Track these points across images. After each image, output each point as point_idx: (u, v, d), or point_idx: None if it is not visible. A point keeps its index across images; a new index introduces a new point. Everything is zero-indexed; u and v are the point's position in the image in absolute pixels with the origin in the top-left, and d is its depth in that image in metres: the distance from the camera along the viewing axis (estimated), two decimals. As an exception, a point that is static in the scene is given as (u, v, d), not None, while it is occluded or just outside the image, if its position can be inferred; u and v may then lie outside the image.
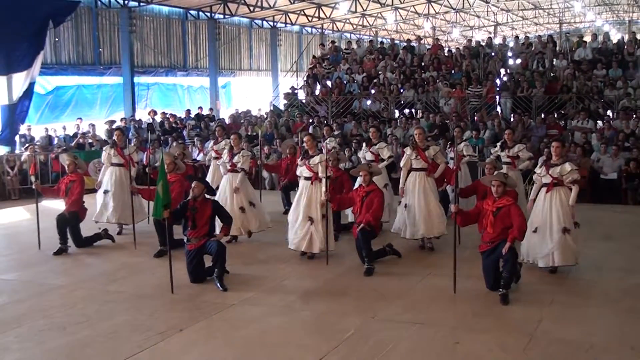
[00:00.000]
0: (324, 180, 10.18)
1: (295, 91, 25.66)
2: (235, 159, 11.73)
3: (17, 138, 19.84)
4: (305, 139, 10.85)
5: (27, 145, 18.61)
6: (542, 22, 49.95)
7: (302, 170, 10.63)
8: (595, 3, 43.32)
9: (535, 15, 47.04)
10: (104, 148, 13.66)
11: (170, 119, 23.63)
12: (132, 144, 12.91)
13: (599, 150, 16.60)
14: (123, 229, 12.67)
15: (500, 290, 8.31)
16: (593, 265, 9.76)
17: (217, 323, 7.80)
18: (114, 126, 21.53)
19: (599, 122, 19.22)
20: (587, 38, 27.34)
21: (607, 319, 7.74)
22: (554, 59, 22.64)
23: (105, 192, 12.43)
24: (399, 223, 11.02)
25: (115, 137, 12.75)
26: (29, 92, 19.15)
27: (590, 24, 46.57)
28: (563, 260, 9.19)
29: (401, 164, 11.06)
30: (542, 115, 19.96)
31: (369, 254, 9.82)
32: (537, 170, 9.67)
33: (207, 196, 9.51)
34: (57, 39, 24.99)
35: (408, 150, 10.91)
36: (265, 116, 24.32)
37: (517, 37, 29.40)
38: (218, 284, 9.01)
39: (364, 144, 13.04)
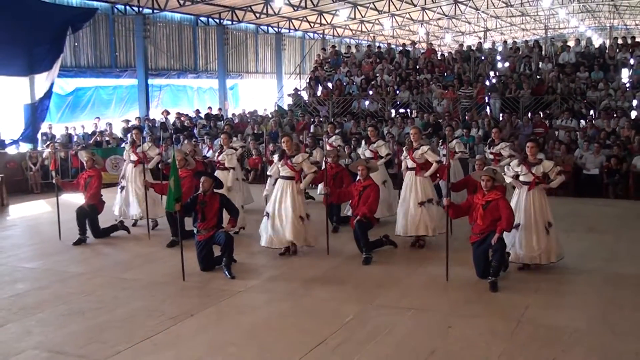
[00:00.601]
0: (309, 176, 9.94)
1: (299, 92, 25.65)
2: (221, 157, 11.75)
3: (39, 136, 19.84)
4: (283, 140, 10.16)
5: (48, 142, 18.63)
6: (529, 28, 49.80)
7: (282, 170, 9.98)
8: (578, 10, 43.18)
9: (522, 21, 46.92)
10: (123, 146, 13.60)
11: (182, 118, 23.64)
12: (147, 142, 12.83)
13: (582, 147, 16.55)
14: (153, 222, 12.29)
15: (490, 278, 8.29)
16: (577, 255, 9.73)
17: (226, 309, 7.79)
18: (129, 125, 21.57)
19: (582, 122, 19.22)
20: (571, 43, 27.30)
21: (590, 305, 7.72)
22: (540, 63, 22.58)
23: (122, 188, 12.39)
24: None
25: (133, 136, 12.60)
26: (48, 93, 19.16)
27: (573, 30, 46.50)
28: (550, 258, 8.94)
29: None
30: (529, 115, 19.93)
31: (366, 244, 9.80)
32: (516, 168, 9.13)
33: (215, 190, 9.50)
34: (76, 44, 24.94)
35: (404, 151, 10.77)
36: (270, 116, 24.29)
37: (505, 42, 29.34)
38: (226, 272, 9.01)
39: (363, 142, 12.96)
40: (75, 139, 20.89)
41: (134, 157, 12.27)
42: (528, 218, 8.91)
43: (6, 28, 17.32)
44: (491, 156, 12.34)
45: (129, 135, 18.09)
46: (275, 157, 10.31)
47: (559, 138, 17.72)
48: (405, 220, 10.40)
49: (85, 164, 11.73)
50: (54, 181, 11.91)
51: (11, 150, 18.74)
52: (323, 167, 11.24)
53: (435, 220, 10.34)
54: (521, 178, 9.04)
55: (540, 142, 9.60)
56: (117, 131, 22.06)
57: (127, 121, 22.68)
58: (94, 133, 21.13)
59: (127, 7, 27.08)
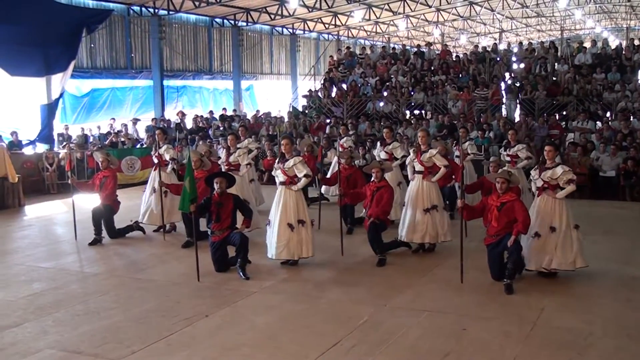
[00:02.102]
0: (303, 180, 9.43)
1: (315, 92, 25.65)
2: (232, 158, 11.77)
3: (55, 136, 19.99)
4: (283, 142, 9.69)
5: (64, 143, 18.74)
6: (545, 29, 49.55)
7: (277, 174, 9.66)
8: (594, 11, 42.93)
9: (538, 22, 46.68)
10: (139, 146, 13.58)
11: (198, 119, 23.77)
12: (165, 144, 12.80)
13: (598, 149, 16.45)
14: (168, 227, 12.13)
15: (505, 280, 8.26)
16: (593, 257, 9.64)
17: (240, 309, 7.80)
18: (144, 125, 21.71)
19: (598, 123, 19.08)
20: (587, 44, 27.15)
21: (605, 308, 7.68)
22: (556, 64, 22.47)
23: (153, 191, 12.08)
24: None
25: (157, 137, 12.26)
26: (61, 93, 19.36)
27: (590, 31, 46.19)
28: (561, 265, 8.63)
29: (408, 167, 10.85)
30: (545, 117, 19.83)
31: (380, 245, 9.78)
32: (532, 173, 9.06)
33: (228, 191, 9.51)
34: (92, 45, 25.13)
35: (412, 154, 10.61)
36: (285, 117, 24.32)
37: (521, 43, 29.23)
38: (241, 273, 9.02)
39: (378, 143, 12.91)
40: (91, 139, 21.02)
41: (155, 160, 12.01)
42: (541, 225, 8.66)
43: (23, 30, 17.45)
44: (508, 158, 12.30)
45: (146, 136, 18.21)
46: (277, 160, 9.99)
47: (575, 140, 17.62)
48: (410, 226, 10.13)
49: (100, 165, 11.79)
50: (69, 181, 11.98)
51: (28, 151, 18.88)
52: (337, 168, 11.21)
53: (439, 227, 10.15)
54: (536, 183, 8.92)
55: (559, 146, 9.29)
56: (132, 131, 22.22)
57: (136, 120, 22.78)
58: (109, 134, 21.25)
59: (143, 9, 27.25)
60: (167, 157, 11.95)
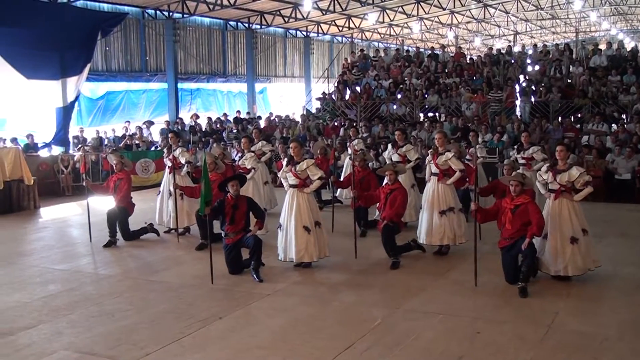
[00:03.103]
0: (316, 182, 9.59)
1: (329, 95, 25.65)
2: (240, 162, 11.86)
3: (70, 139, 20.13)
4: (292, 145, 9.78)
5: (79, 145, 18.86)
6: (560, 31, 49.26)
7: (287, 177, 9.65)
8: (610, 13, 42.65)
9: (552, 24, 46.41)
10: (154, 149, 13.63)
11: (212, 122, 23.87)
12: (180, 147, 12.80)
13: (613, 152, 16.34)
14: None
15: (519, 283, 8.22)
16: (608, 261, 9.58)
17: (254, 311, 7.82)
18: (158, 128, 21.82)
19: (614, 126, 18.95)
20: (602, 46, 26.98)
21: (621, 312, 7.61)
22: (571, 66, 22.34)
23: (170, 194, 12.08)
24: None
25: (169, 140, 12.31)
26: (77, 96, 19.51)
27: (605, 33, 45.85)
28: (575, 271, 8.59)
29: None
30: (559, 119, 19.72)
31: (393, 248, 9.77)
32: (544, 175, 8.88)
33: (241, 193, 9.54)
34: (107, 48, 25.26)
35: (429, 155, 10.60)
36: (298, 120, 24.33)
37: (535, 45, 29.07)
38: (254, 275, 9.03)
39: (389, 146, 12.89)
40: (106, 142, 21.15)
41: (169, 163, 11.99)
42: (553, 229, 8.60)
43: (40, 33, 17.62)
44: (523, 160, 12.24)
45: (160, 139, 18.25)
46: (284, 164, 10.05)
47: (589, 142, 17.51)
48: (428, 229, 10.19)
49: (114, 167, 11.86)
50: (84, 184, 12.05)
51: (43, 153, 19.02)
52: (349, 171, 11.22)
53: (457, 229, 10.18)
54: (549, 186, 8.83)
55: (571, 146, 9.18)
56: (155, 133, 22.37)
57: (150, 123, 22.92)
58: (124, 136, 21.37)
59: (158, 12, 27.36)
60: (182, 160, 11.94)
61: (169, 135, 12.62)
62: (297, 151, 9.66)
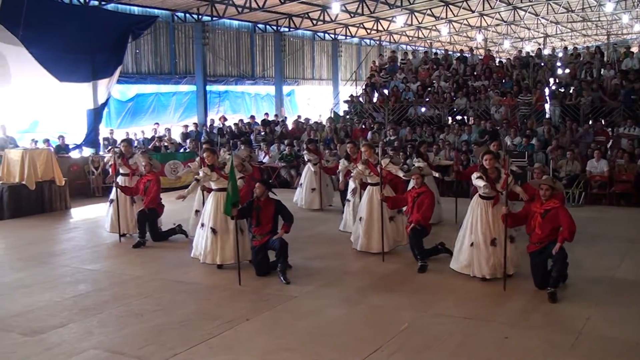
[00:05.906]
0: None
1: (358, 98, 25.62)
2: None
3: (100, 140, 20.36)
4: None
5: (109, 147, 19.07)
6: (590, 34, 48.68)
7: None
8: (642, 15, 42.07)
9: (583, 27, 45.87)
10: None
11: (239, 124, 23.99)
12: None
13: (646, 156, 16.08)
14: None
15: (549, 288, 8.12)
16: (639, 266, 9.45)
17: (281, 314, 7.83)
18: (188, 130, 21.94)
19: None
20: (635, 49, 26.60)
21: (653, 318, 7.49)
22: (602, 69, 22.04)
23: None
24: None
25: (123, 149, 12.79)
26: (107, 99, 19.75)
27: (637, 36, 45.20)
28: (493, 272, 8.77)
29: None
30: (590, 123, 19.47)
31: (421, 251, 9.73)
32: (481, 184, 8.75)
33: (271, 196, 9.56)
34: (137, 51, 25.52)
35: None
36: (326, 122, 24.34)
37: (565, 48, 28.84)
38: (281, 277, 9.05)
39: (414, 156, 12.97)
40: (135, 144, 21.35)
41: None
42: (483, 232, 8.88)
43: (73, 37, 17.85)
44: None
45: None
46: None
47: (621, 146, 17.26)
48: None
49: (143, 169, 11.96)
50: (113, 185, 12.18)
51: (74, 155, 19.27)
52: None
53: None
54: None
55: (497, 154, 8.99)
56: (176, 136, 22.49)
57: (186, 126, 23.15)
58: (153, 138, 21.56)
59: (187, 15, 27.57)
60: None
61: (122, 144, 13.14)
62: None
